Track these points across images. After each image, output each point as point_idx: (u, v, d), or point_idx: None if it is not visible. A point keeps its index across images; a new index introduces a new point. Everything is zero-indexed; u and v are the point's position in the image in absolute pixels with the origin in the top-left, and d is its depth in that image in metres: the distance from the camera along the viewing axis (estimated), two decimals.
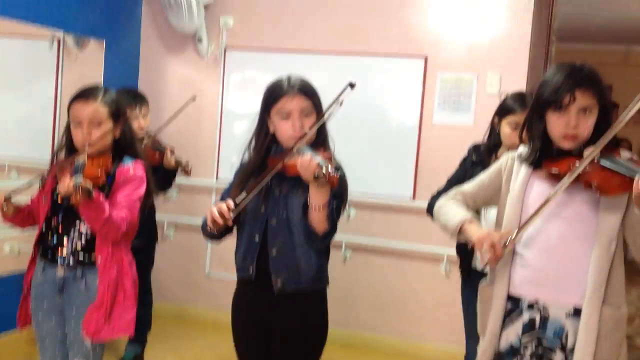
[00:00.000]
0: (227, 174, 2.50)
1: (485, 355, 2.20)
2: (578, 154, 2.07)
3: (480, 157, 3.01)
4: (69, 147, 2.58)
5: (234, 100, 4.66)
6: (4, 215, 2.56)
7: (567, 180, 2.01)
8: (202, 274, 4.81)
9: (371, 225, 4.40)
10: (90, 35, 4.33)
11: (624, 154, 2.06)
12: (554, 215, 2.09)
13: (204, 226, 2.33)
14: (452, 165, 3.16)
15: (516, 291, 2.16)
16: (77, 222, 2.49)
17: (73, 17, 4.16)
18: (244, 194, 2.22)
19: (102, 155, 2.51)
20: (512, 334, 2.15)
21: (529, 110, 2.19)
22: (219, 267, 4.70)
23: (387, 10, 4.31)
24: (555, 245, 2.09)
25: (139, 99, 3.76)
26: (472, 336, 2.42)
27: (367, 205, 4.37)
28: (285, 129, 2.29)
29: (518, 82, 3.99)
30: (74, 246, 2.49)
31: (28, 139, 4.15)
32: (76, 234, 2.50)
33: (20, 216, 2.60)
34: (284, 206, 2.28)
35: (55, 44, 4.13)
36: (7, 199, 2.52)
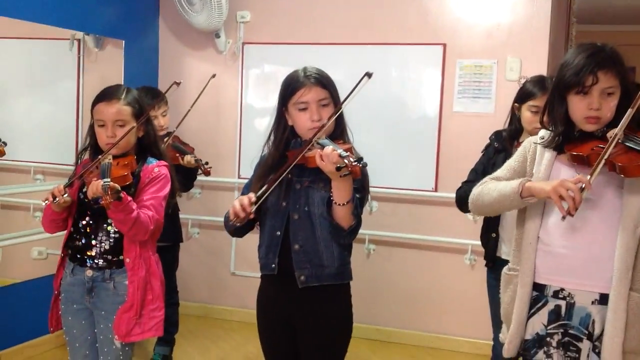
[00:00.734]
0: (249, 172, 2.49)
1: (512, 344, 2.17)
2: (601, 136, 2.03)
3: (502, 144, 2.97)
4: (94, 147, 2.59)
5: (253, 95, 4.66)
6: (55, 207, 2.42)
7: (601, 160, 1.94)
8: (227, 273, 4.82)
9: (394, 219, 4.37)
10: (109, 36, 4.36)
11: None
12: None
13: (226, 220, 2.32)
14: (473, 155, 3.12)
15: (541, 279, 2.12)
16: (105, 223, 2.49)
17: (92, 18, 4.20)
18: (264, 188, 2.21)
19: (126, 155, 2.52)
20: (538, 322, 2.12)
21: (550, 93, 2.16)
22: (244, 265, 4.70)
23: None
24: (579, 230, 2.04)
25: (157, 97, 3.67)
26: (499, 326, 2.40)
27: (389, 198, 4.34)
28: (303, 121, 2.27)
29: (539, 67, 3.93)
30: (102, 247, 2.50)
31: (52, 142, 4.19)
32: (104, 235, 2.50)
33: (65, 213, 2.52)
34: (305, 200, 2.26)
35: (76, 45, 4.17)
36: (66, 187, 2.42)
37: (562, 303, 2.08)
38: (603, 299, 2.03)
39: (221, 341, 4.38)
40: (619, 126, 1.97)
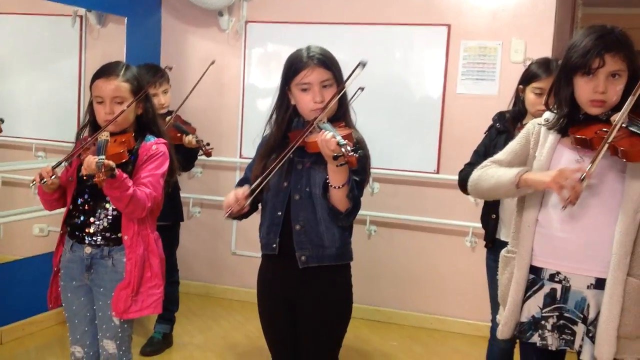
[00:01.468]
0: (251, 152, 2.48)
1: (507, 326, 2.17)
2: (605, 119, 2.01)
3: (505, 125, 2.96)
4: (93, 124, 2.57)
5: (256, 74, 4.63)
6: (45, 187, 2.42)
7: (604, 145, 1.93)
8: (228, 252, 4.83)
9: (395, 200, 4.37)
10: (112, 12, 4.32)
11: None
12: None
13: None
14: (476, 137, 3.10)
15: (537, 262, 2.12)
16: (104, 201, 2.48)
17: None
18: (260, 179, 2.20)
19: (124, 132, 2.50)
20: (534, 305, 2.12)
21: (556, 74, 2.14)
22: (245, 244, 4.71)
23: None
24: (578, 214, 2.03)
25: (158, 75, 3.55)
26: (497, 307, 2.40)
27: (390, 180, 4.34)
28: (305, 102, 2.26)
29: (544, 49, 3.89)
30: (100, 225, 2.50)
31: (53, 119, 4.18)
32: (102, 213, 2.49)
33: (57, 194, 2.53)
34: (307, 181, 2.26)
35: (78, 21, 4.14)
36: (54, 168, 2.42)
37: (558, 286, 2.08)
38: (599, 284, 2.03)
39: (222, 320, 4.40)
40: (622, 110, 1.95)
